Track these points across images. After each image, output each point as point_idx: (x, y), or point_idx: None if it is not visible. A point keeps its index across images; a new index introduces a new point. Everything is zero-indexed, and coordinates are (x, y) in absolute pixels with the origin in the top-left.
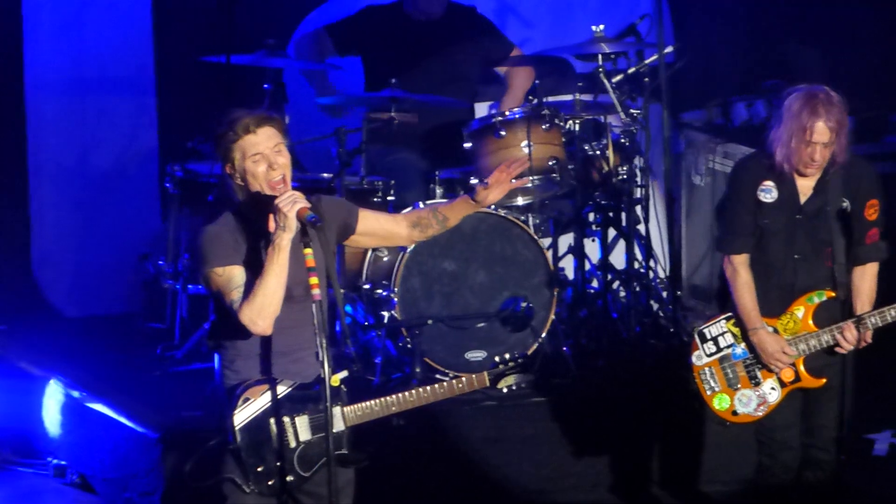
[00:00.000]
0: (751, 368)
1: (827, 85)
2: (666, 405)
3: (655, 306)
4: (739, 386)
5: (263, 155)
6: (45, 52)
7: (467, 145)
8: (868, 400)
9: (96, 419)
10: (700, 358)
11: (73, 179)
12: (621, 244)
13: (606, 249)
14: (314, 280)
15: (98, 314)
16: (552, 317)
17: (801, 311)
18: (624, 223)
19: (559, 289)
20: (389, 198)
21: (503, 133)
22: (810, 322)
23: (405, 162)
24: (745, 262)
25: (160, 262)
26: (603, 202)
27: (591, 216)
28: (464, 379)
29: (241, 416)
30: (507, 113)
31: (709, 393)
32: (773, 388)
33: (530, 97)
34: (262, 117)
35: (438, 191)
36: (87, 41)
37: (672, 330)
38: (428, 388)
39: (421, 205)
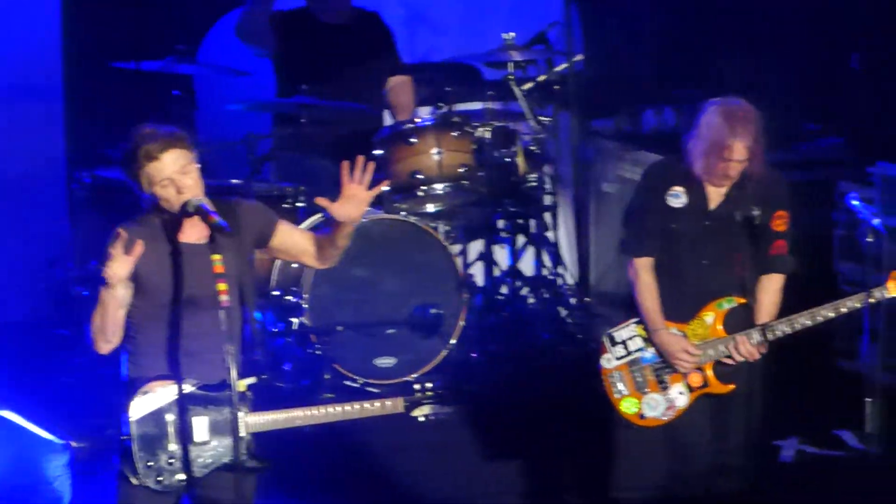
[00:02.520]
0: (659, 373)
1: (738, 92)
2: (576, 412)
3: (564, 313)
4: (648, 390)
5: (171, 180)
6: None
7: (378, 152)
8: (775, 406)
9: (2, 426)
10: (609, 361)
11: None
12: (531, 251)
13: (516, 256)
14: (222, 286)
15: (4, 321)
16: (462, 323)
17: (710, 316)
18: (533, 230)
19: (469, 295)
20: (299, 204)
21: (414, 140)
22: (719, 328)
23: (316, 168)
24: (648, 265)
25: (68, 268)
26: (513, 209)
27: (501, 223)
28: (377, 403)
29: (138, 409)
30: (417, 120)
31: (617, 396)
32: (681, 393)
33: (440, 104)
34: (165, 141)
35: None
36: None
37: (580, 336)
38: (338, 406)
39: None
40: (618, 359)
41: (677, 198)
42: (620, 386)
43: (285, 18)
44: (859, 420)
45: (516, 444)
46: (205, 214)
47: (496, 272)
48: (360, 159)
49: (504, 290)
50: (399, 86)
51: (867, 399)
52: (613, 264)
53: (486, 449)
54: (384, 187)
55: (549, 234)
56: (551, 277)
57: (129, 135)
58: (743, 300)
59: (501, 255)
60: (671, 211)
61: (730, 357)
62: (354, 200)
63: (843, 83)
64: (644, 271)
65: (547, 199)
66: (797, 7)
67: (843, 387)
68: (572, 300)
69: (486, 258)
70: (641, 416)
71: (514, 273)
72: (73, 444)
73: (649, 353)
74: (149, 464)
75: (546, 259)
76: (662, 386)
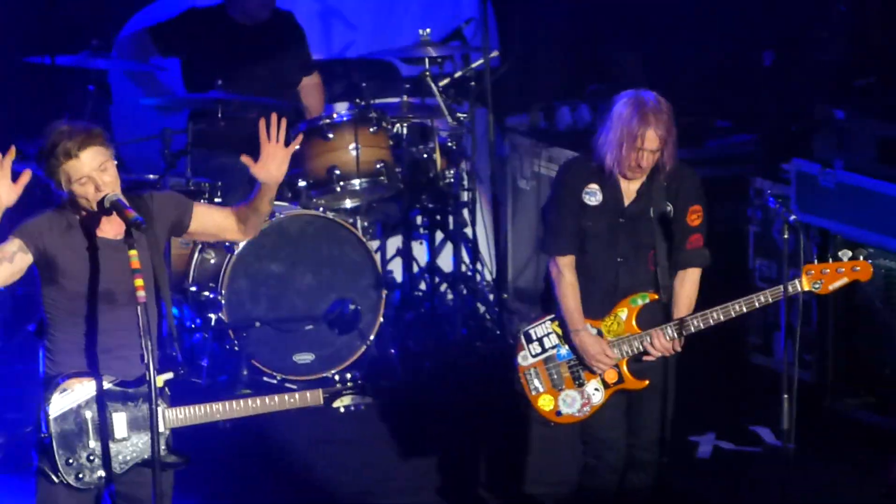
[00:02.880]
0: (575, 369)
1: (650, 89)
2: (492, 407)
3: (482, 309)
4: (564, 387)
5: (89, 177)
6: None
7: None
8: (692, 402)
9: None
10: (525, 358)
11: None
12: (449, 247)
13: (434, 252)
14: (139, 282)
15: None
16: (380, 319)
17: (624, 312)
18: (451, 226)
19: (387, 291)
20: (216, 199)
21: (331, 136)
22: (634, 324)
23: (231, 164)
24: (569, 263)
25: None
26: (430, 205)
27: (419, 219)
28: (297, 395)
29: (56, 406)
30: (334, 115)
31: (534, 393)
32: (596, 389)
33: (357, 100)
34: (83, 139)
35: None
36: None
37: (498, 332)
38: (258, 399)
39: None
40: (534, 356)
41: (593, 195)
42: (537, 383)
43: (201, 15)
44: (775, 416)
45: (433, 440)
46: (121, 210)
47: (414, 268)
48: (275, 117)
49: (422, 286)
50: (309, 87)
51: (783, 395)
52: (529, 260)
53: (403, 444)
54: (297, 145)
55: (467, 231)
56: (469, 273)
57: (44, 131)
58: (656, 296)
59: (419, 251)
60: (587, 209)
61: (645, 353)
62: (274, 159)
63: (755, 80)
64: (567, 269)
65: (464, 196)
66: (710, 4)
67: (759, 383)
68: (490, 296)
69: (405, 254)
70: (558, 413)
71: (432, 269)
72: None
73: (565, 349)
74: (69, 461)
75: (464, 255)
76: (578, 383)
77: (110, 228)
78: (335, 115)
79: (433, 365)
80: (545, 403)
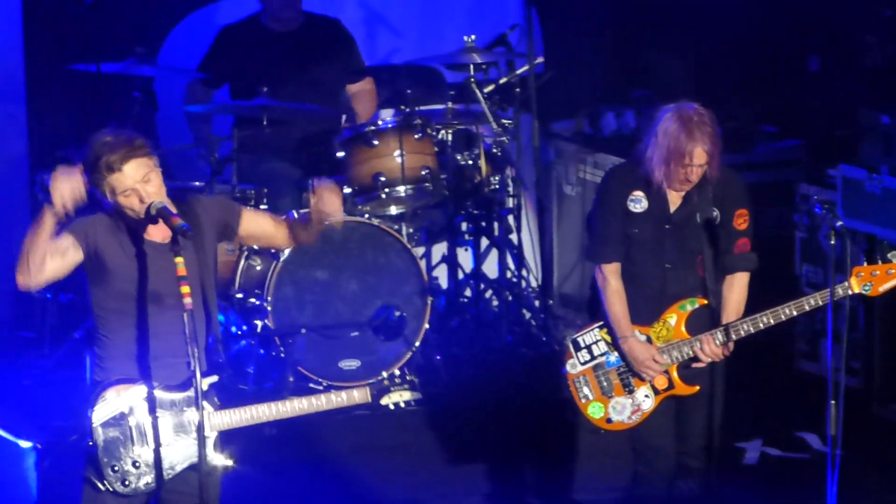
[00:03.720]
0: (624, 376)
1: (696, 95)
2: (538, 413)
3: (527, 315)
4: (613, 394)
5: (133, 190)
6: None
7: (340, 154)
8: (739, 408)
9: None
10: (574, 366)
11: None
12: (494, 253)
13: (479, 259)
14: (186, 289)
15: None
16: (425, 326)
17: (673, 318)
18: (496, 233)
19: (432, 298)
20: (262, 206)
21: (376, 142)
22: (683, 329)
23: (277, 170)
24: (615, 270)
25: None
26: (475, 212)
27: (464, 226)
28: (343, 394)
29: (101, 413)
30: (379, 122)
31: (583, 401)
32: (646, 396)
33: (402, 107)
34: (125, 152)
35: (312, 199)
36: None
37: (543, 339)
38: (304, 399)
39: (294, 214)
40: (582, 363)
41: (638, 203)
42: (586, 391)
43: (236, 31)
44: (823, 422)
45: (479, 446)
46: (167, 217)
47: (459, 275)
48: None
49: (467, 292)
50: (360, 93)
51: (831, 401)
52: (575, 266)
53: (448, 450)
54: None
55: (512, 237)
56: (514, 280)
57: (88, 142)
58: (705, 301)
59: (465, 257)
60: (632, 216)
61: (695, 358)
62: (330, 202)
63: (802, 86)
64: (613, 277)
65: (509, 202)
66: (757, 9)
67: (806, 389)
68: (535, 302)
69: (450, 261)
70: (608, 421)
71: (477, 275)
72: (38, 445)
73: (614, 356)
74: (114, 468)
75: (509, 261)
76: (628, 389)
77: (157, 232)
78: (380, 122)
79: (478, 371)
80: (595, 411)
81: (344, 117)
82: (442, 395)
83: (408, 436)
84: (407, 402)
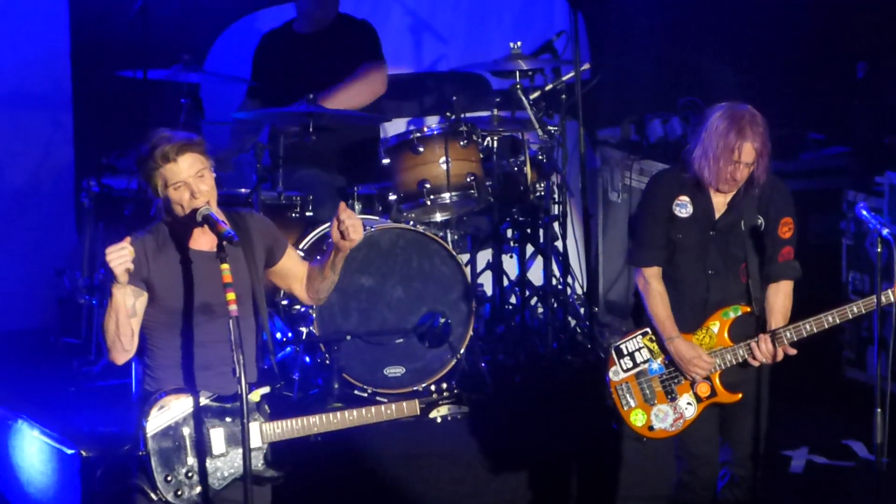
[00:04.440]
0: (667, 384)
1: (743, 101)
2: (583, 421)
3: (573, 322)
4: (656, 401)
5: (186, 183)
6: None
7: (385, 161)
8: (785, 417)
9: (14, 434)
10: (617, 374)
11: None
12: (539, 260)
13: (524, 266)
14: (231, 296)
15: (13, 329)
16: (470, 333)
17: (716, 325)
18: (541, 239)
19: (477, 305)
20: (307, 213)
21: (421, 149)
22: (726, 336)
23: (322, 177)
24: (657, 274)
25: (76, 277)
26: (520, 218)
27: (509, 232)
28: (393, 406)
29: (154, 423)
30: (425, 129)
31: (626, 409)
32: (689, 404)
33: (447, 113)
34: (182, 144)
35: (357, 206)
36: (4, 56)
37: (589, 346)
38: (354, 411)
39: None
40: (625, 371)
41: (683, 208)
42: (629, 398)
43: (270, 38)
44: (869, 430)
45: (524, 454)
46: (213, 224)
47: (505, 282)
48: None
49: (512, 299)
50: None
51: (877, 409)
52: (620, 273)
53: (494, 458)
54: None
55: (558, 244)
56: (560, 287)
57: (145, 137)
58: (748, 309)
59: (510, 264)
60: (677, 221)
61: (743, 363)
62: (350, 224)
63: (849, 93)
64: (654, 280)
65: (554, 209)
66: (803, 16)
67: (852, 397)
68: (581, 309)
69: (495, 267)
70: (651, 428)
71: (522, 282)
72: (83, 452)
73: (656, 364)
74: (167, 478)
75: (555, 268)
76: (671, 397)
77: (205, 241)
78: (425, 129)
79: (524, 378)
80: (637, 418)
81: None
82: (487, 403)
83: (452, 443)
84: (454, 416)
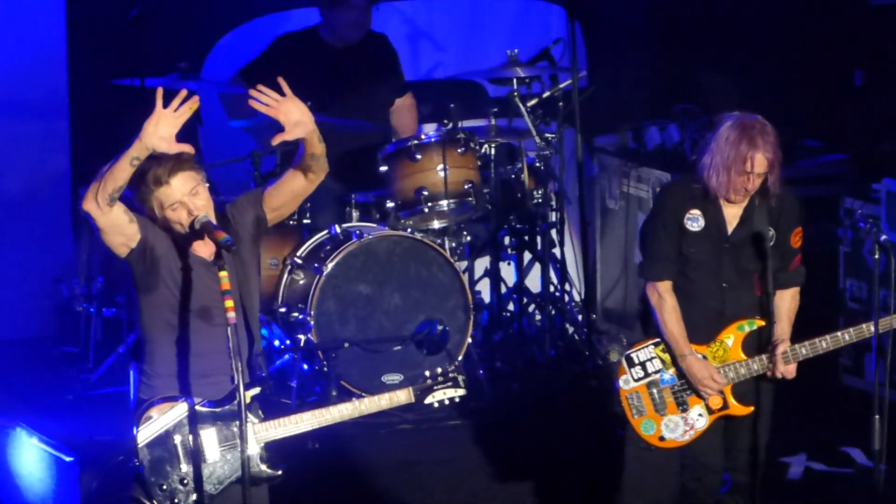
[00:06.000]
0: (679, 395)
1: (739, 109)
2: (582, 428)
3: (570, 329)
4: (666, 412)
5: (181, 203)
6: None
7: (383, 168)
8: (784, 423)
9: (11, 442)
10: (627, 382)
11: None
12: (537, 268)
13: (522, 273)
14: (229, 303)
15: (11, 338)
16: (468, 340)
17: (730, 339)
18: (539, 247)
19: (475, 312)
20: (305, 221)
21: (419, 157)
22: (740, 350)
23: (321, 185)
24: (669, 288)
25: (73, 285)
26: (518, 226)
27: (507, 240)
28: (387, 395)
29: (145, 433)
30: (422, 137)
31: (636, 417)
32: (700, 415)
33: (445, 121)
34: (173, 165)
35: (355, 214)
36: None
37: (587, 353)
38: (348, 404)
39: (337, 228)
40: (636, 380)
41: (695, 221)
42: (639, 407)
43: (292, 39)
44: (867, 437)
45: (523, 460)
46: (211, 231)
47: (502, 289)
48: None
49: (510, 306)
50: (401, 107)
51: (875, 416)
52: (618, 281)
53: (492, 465)
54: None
55: (555, 251)
56: (557, 294)
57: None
58: (762, 322)
59: (507, 271)
60: (689, 235)
61: (762, 376)
62: (291, 112)
63: (846, 100)
64: (667, 294)
65: (552, 216)
66: (800, 24)
67: (850, 404)
68: (579, 317)
69: (493, 275)
70: (661, 438)
71: (520, 290)
72: (82, 460)
73: (668, 374)
74: (162, 487)
75: (552, 276)
76: (682, 408)
77: (203, 249)
78: (423, 137)
79: (521, 386)
80: (647, 428)
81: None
82: (485, 410)
83: (450, 450)
84: (451, 400)
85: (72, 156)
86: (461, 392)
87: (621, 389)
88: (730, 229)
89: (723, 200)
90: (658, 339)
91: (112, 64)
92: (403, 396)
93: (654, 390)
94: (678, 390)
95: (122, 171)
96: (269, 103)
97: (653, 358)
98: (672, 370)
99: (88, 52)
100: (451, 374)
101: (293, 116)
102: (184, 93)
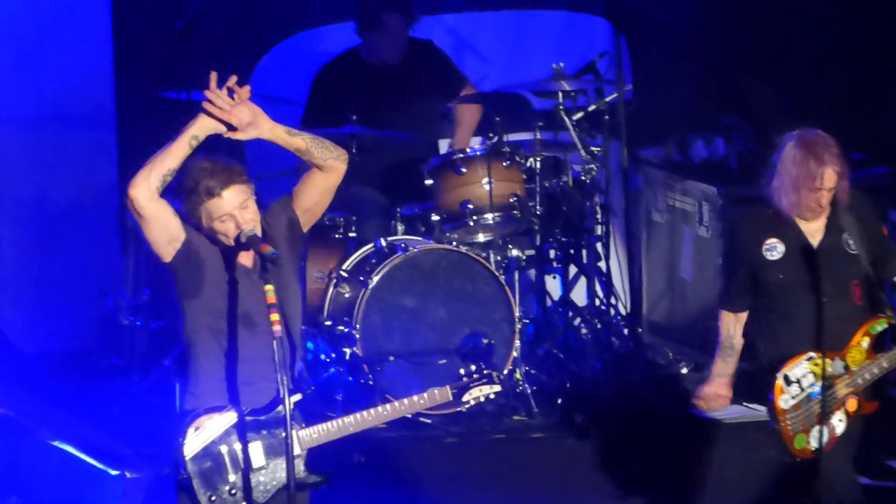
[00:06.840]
0: (824, 404)
1: (785, 121)
2: (629, 442)
3: (616, 343)
4: (815, 422)
5: (231, 215)
6: (4, 87)
7: (428, 182)
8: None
9: (55, 456)
10: (787, 402)
11: (31, 215)
12: (582, 281)
13: (567, 286)
14: (275, 317)
15: (57, 350)
16: (513, 353)
17: (866, 341)
18: (585, 260)
19: (520, 325)
20: (351, 234)
21: (464, 170)
22: (873, 351)
23: (366, 198)
24: (740, 319)
25: (120, 298)
26: (563, 239)
27: (552, 253)
28: (426, 395)
29: (191, 445)
30: (468, 150)
31: (792, 434)
32: (840, 420)
33: (490, 134)
34: (225, 177)
35: (400, 227)
36: (48, 76)
37: (632, 367)
38: (388, 406)
39: (382, 241)
40: (794, 398)
41: (774, 250)
42: (796, 424)
43: (331, 69)
44: None
45: (566, 474)
46: (257, 245)
47: (548, 302)
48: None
49: (556, 320)
50: (463, 107)
51: None
52: (663, 294)
53: (537, 479)
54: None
55: (601, 264)
56: (603, 307)
57: (184, 167)
58: (892, 320)
59: (553, 285)
60: (770, 265)
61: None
62: (240, 112)
63: (891, 112)
64: (734, 326)
65: (597, 229)
66: (843, 36)
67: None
68: (624, 330)
69: (538, 288)
70: (814, 451)
71: (565, 303)
72: (127, 474)
73: (817, 387)
74: (211, 498)
75: (598, 289)
76: (826, 417)
77: (246, 256)
78: (468, 150)
79: (567, 400)
80: (800, 442)
81: (449, 142)
82: (530, 424)
83: (495, 465)
84: (487, 397)
85: (119, 168)
86: (497, 388)
87: (780, 409)
88: (815, 243)
89: (797, 219)
90: (811, 354)
91: (158, 76)
92: (440, 395)
93: (807, 405)
94: (823, 401)
95: (179, 150)
96: (221, 106)
97: (807, 374)
98: (820, 382)
99: (135, 64)
100: (485, 371)
101: (245, 118)
102: (214, 76)
